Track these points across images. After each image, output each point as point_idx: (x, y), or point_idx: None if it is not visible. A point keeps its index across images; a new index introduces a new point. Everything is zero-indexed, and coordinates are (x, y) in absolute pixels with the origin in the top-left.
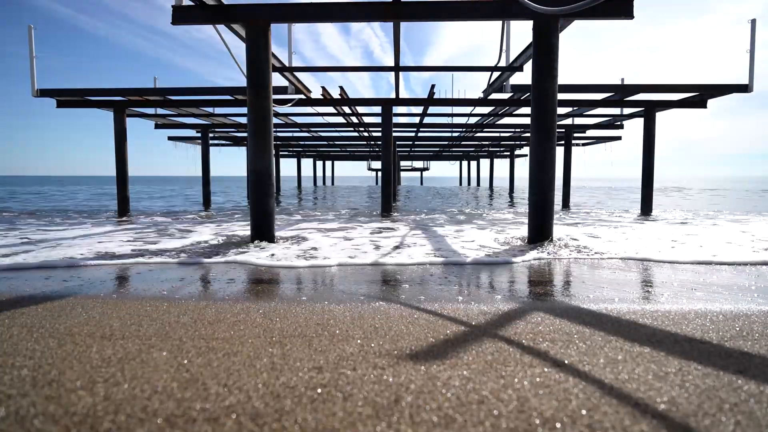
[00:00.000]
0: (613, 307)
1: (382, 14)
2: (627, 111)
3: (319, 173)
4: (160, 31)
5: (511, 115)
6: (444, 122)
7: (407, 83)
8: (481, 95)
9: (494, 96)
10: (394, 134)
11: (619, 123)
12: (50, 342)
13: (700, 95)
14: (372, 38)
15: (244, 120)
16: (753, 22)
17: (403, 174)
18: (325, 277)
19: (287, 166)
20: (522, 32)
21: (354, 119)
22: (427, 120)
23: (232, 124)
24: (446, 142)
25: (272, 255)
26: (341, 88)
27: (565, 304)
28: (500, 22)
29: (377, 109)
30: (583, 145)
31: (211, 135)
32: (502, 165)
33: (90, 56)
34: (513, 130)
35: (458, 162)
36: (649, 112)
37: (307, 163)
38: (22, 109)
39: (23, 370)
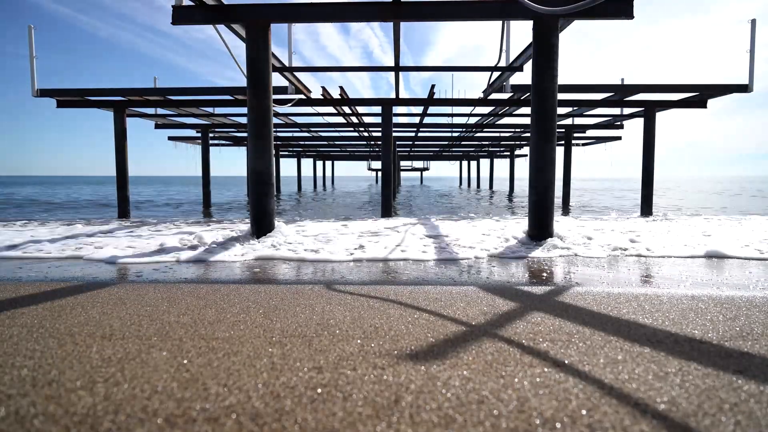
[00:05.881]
0: (614, 306)
1: (382, 14)
2: (627, 111)
3: (319, 173)
4: (160, 31)
5: (511, 115)
6: (444, 122)
7: (407, 83)
8: (481, 95)
9: (494, 96)
10: (394, 134)
11: (619, 123)
12: (50, 342)
13: (700, 95)
14: (372, 38)
15: (244, 120)
16: (753, 22)
17: (403, 174)
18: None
19: (287, 166)
20: (522, 32)
21: (354, 119)
22: (427, 120)
23: (232, 124)
24: (446, 142)
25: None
26: (341, 88)
27: (565, 303)
28: (500, 22)
29: (377, 109)
30: (583, 145)
31: (211, 135)
32: (502, 165)
33: (90, 56)
34: (513, 130)
35: (458, 162)
36: (649, 112)
37: (307, 163)
38: (22, 109)
39: (23, 370)
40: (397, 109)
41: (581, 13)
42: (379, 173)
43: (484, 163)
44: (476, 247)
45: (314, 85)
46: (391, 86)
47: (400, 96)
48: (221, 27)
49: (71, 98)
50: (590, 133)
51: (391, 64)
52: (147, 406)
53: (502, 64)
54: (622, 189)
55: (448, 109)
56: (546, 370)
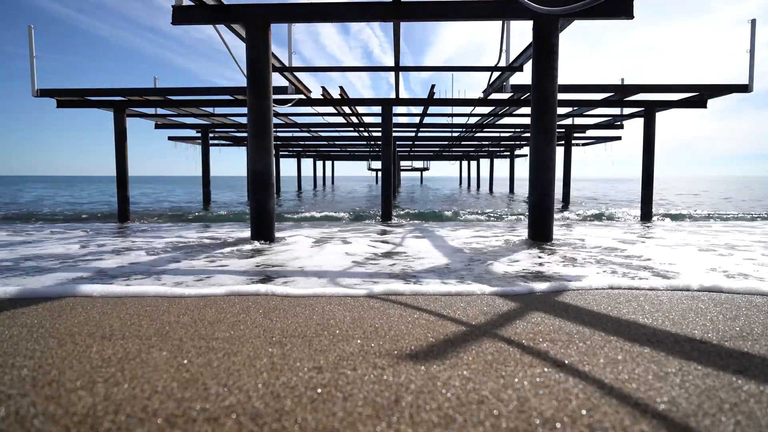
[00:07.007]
0: (614, 306)
1: (382, 14)
2: (627, 111)
3: (319, 173)
4: (160, 31)
5: (511, 115)
6: (444, 122)
7: (407, 83)
8: (481, 95)
9: (494, 96)
10: (394, 134)
11: (619, 123)
12: (50, 342)
13: (700, 95)
14: (372, 38)
15: (244, 120)
16: (753, 22)
17: (403, 174)
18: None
19: (287, 166)
20: (522, 32)
21: (354, 119)
22: (427, 120)
23: (232, 124)
24: (446, 142)
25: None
26: (341, 88)
27: (565, 303)
28: (500, 22)
29: (377, 109)
30: (583, 145)
31: (211, 135)
32: (502, 165)
33: (90, 56)
34: (513, 130)
35: (458, 162)
36: (649, 112)
37: (307, 163)
38: (22, 109)
39: (23, 370)
40: (397, 109)
41: (581, 13)
42: (379, 173)
43: (484, 163)
44: (476, 249)
45: (314, 85)
46: (391, 86)
47: (400, 96)
48: (221, 27)
49: (71, 98)
50: (590, 133)
51: (391, 64)
52: (147, 406)
53: (502, 64)
54: (620, 190)
55: (448, 109)
56: (546, 370)
